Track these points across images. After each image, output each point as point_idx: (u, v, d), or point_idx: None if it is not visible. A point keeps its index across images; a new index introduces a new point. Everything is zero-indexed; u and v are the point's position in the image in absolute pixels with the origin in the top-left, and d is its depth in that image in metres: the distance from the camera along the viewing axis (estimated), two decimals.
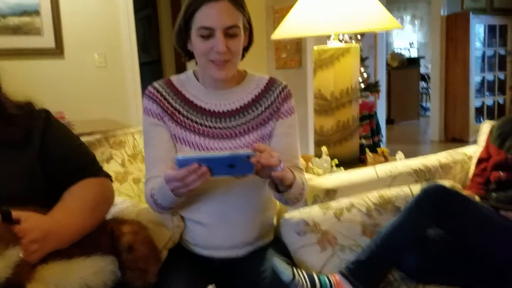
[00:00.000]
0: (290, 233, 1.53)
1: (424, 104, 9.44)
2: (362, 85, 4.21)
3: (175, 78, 1.48)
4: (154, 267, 1.30)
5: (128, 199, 1.77)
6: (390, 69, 7.84)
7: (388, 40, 9.42)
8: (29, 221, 1.09)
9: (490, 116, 6.68)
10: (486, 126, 2.09)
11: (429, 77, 8.49)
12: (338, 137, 2.35)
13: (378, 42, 5.51)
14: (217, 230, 1.42)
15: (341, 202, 1.63)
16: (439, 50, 6.36)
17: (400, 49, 10.29)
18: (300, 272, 1.35)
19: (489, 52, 6.65)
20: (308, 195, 1.61)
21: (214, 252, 1.44)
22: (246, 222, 1.43)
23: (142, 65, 4.09)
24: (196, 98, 1.45)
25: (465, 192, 1.80)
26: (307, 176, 1.63)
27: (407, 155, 2.37)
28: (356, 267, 1.45)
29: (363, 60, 4.23)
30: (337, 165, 2.26)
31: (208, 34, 1.31)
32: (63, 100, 3.48)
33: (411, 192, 1.68)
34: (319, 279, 1.38)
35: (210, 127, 1.42)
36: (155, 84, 1.45)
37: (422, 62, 9.17)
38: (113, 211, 1.47)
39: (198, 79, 1.47)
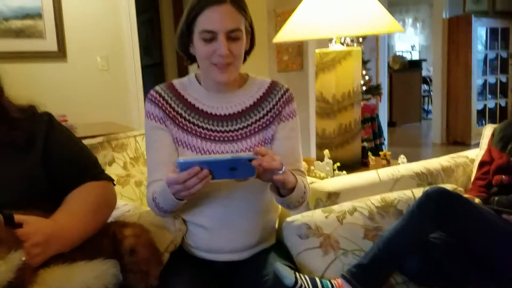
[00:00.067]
0: (292, 237, 1.53)
1: (425, 107, 9.44)
2: (364, 88, 4.21)
3: (177, 82, 1.48)
4: (156, 270, 1.30)
5: (130, 202, 1.78)
6: (391, 72, 7.84)
7: (389, 42, 9.43)
8: (31, 224, 1.09)
9: (492, 119, 6.67)
10: (488, 130, 2.09)
11: (431, 80, 8.49)
12: (340, 140, 2.35)
13: (380, 45, 5.52)
14: (219, 233, 1.42)
15: (344, 206, 1.62)
16: (441, 52, 6.36)
17: (402, 51, 10.30)
18: (302, 277, 1.34)
19: (491, 55, 6.64)
20: (310, 199, 1.61)
21: (216, 256, 1.44)
22: (248, 225, 1.43)
23: (144, 68, 4.09)
24: (198, 101, 1.45)
25: (467, 196, 1.80)
26: (309, 179, 1.63)
27: (409, 158, 2.38)
28: (358, 271, 1.44)
29: (364, 63, 4.23)
30: (339, 168, 2.25)
31: (210, 37, 1.31)
32: (66, 103, 3.49)
33: (413, 195, 1.68)
34: (321, 283, 1.38)
35: (212, 130, 1.42)
36: (157, 88, 1.46)
37: (424, 65, 9.17)
38: (115, 214, 1.47)
39: (200, 83, 1.47)
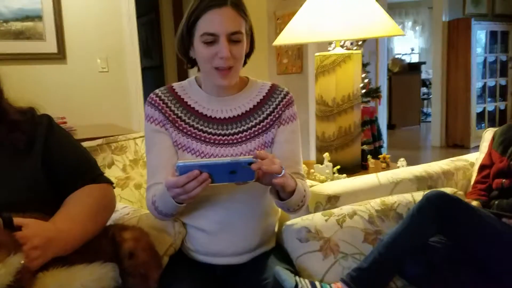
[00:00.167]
0: (292, 240, 1.53)
1: (425, 110, 9.45)
2: (363, 91, 4.21)
3: (177, 85, 1.48)
4: (155, 273, 1.29)
5: (130, 204, 1.77)
6: (391, 75, 7.85)
7: (389, 45, 9.44)
8: (31, 227, 1.09)
9: (491, 122, 6.68)
10: (488, 133, 2.09)
11: (430, 83, 8.51)
12: (340, 143, 2.35)
13: (379, 48, 5.52)
14: (218, 236, 1.41)
15: (343, 209, 1.62)
16: (441, 55, 6.37)
17: (401, 54, 10.32)
18: (302, 281, 1.34)
19: (491, 58, 6.65)
20: (310, 202, 1.60)
21: (216, 259, 1.44)
22: (248, 229, 1.43)
23: (144, 70, 4.10)
24: (198, 104, 1.45)
25: (467, 199, 1.80)
26: (309, 182, 1.63)
27: (408, 161, 2.38)
28: (358, 275, 1.44)
29: (364, 65, 4.23)
30: (339, 171, 2.25)
31: (212, 40, 1.31)
32: (65, 105, 3.49)
33: (413, 199, 1.68)
34: (321, 287, 1.38)
35: (212, 133, 1.42)
36: (157, 91, 1.45)
37: (423, 67, 9.18)
38: (114, 217, 1.47)
39: (200, 86, 1.47)
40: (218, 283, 1.44)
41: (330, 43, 3.49)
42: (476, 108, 6.43)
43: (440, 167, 1.94)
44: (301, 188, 1.37)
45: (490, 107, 6.75)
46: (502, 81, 6.83)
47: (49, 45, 3.51)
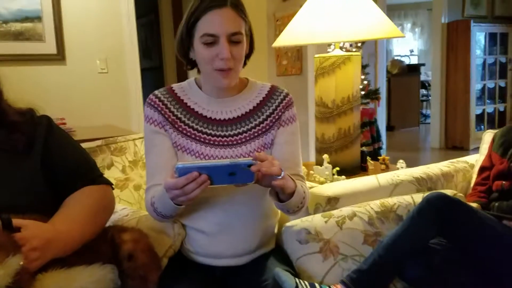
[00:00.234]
0: (291, 242, 1.52)
1: (424, 111, 9.46)
2: (363, 92, 4.21)
3: (176, 86, 1.48)
4: (155, 275, 1.29)
5: (129, 206, 1.77)
6: (390, 76, 7.86)
7: (388, 47, 9.45)
8: (30, 228, 1.08)
9: (491, 124, 6.69)
10: (488, 135, 2.09)
11: (429, 85, 8.52)
12: (340, 145, 2.35)
13: (378, 50, 5.52)
14: (218, 238, 1.41)
15: (343, 211, 1.62)
16: (440, 57, 6.38)
17: (400, 56, 10.33)
18: (302, 282, 1.34)
19: (490, 60, 6.66)
20: (310, 203, 1.60)
21: (215, 261, 1.44)
22: (247, 230, 1.43)
23: (143, 71, 4.09)
24: (198, 105, 1.44)
25: (467, 201, 1.80)
26: (308, 184, 1.62)
27: (408, 162, 2.38)
28: (358, 277, 1.44)
29: (363, 67, 4.24)
30: (338, 173, 2.25)
31: (212, 41, 1.31)
32: (65, 106, 3.49)
33: (413, 201, 1.68)
34: None
35: (211, 135, 1.42)
36: (157, 92, 1.45)
37: (422, 69, 9.19)
38: (113, 218, 1.47)
39: (200, 87, 1.46)
40: (217, 284, 1.44)
41: (329, 44, 3.49)
42: (475, 109, 6.44)
43: (439, 169, 1.94)
44: (301, 189, 1.37)
45: (489, 108, 6.76)
46: (502, 83, 6.84)
47: (49, 46, 3.51)
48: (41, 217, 1.16)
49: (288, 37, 2.29)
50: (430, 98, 8.16)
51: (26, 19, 3.41)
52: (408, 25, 10.61)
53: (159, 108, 1.42)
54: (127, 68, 3.83)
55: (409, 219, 1.50)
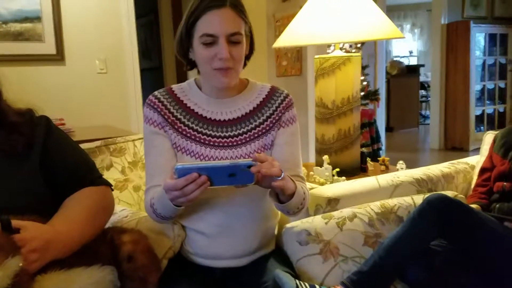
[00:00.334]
0: (292, 243, 1.52)
1: (423, 112, 9.46)
2: (362, 93, 4.21)
3: (176, 87, 1.47)
4: (154, 276, 1.28)
5: (128, 207, 1.76)
6: (389, 77, 7.86)
7: (387, 48, 9.45)
8: (29, 230, 1.08)
9: (490, 125, 6.70)
10: (489, 136, 2.09)
11: (428, 85, 8.52)
12: (340, 146, 2.35)
13: (378, 50, 5.52)
14: (218, 239, 1.40)
15: (343, 212, 1.62)
16: (440, 58, 6.38)
17: (400, 57, 10.33)
18: (302, 284, 1.33)
19: (490, 60, 6.67)
20: (310, 205, 1.60)
21: (215, 262, 1.43)
22: (247, 231, 1.42)
23: (143, 71, 4.09)
24: (198, 106, 1.44)
25: (468, 202, 1.79)
26: (308, 185, 1.62)
27: (407, 163, 2.38)
28: (358, 278, 1.43)
29: (363, 68, 4.24)
30: (338, 174, 2.25)
31: (211, 41, 1.30)
32: (64, 106, 3.48)
33: (414, 202, 1.67)
34: None
35: (211, 136, 1.41)
36: (156, 93, 1.45)
37: (421, 70, 9.20)
38: (112, 220, 1.46)
39: (199, 88, 1.46)
40: (217, 286, 1.44)
41: (329, 45, 3.49)
42: (475, 110, 6.44)
43: (440, 170, 1.94)
44: (301, 190, 1.36)
45: (489, 109, 6.76)
46: (501, 84, 6.85)
47: (48, 47, 3.50)
48: (40, 218, 1.16)
49: (288, 38, 2.29)
50: (429, 99, 8.16)
51: (26, 19, 3.40)
52: (407, 26, 10.62)
53: (159, 109, 1.41)
54: (127, 69, 3.82)
55: (410, 221, 1.50)
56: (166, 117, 1.41)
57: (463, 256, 1.49)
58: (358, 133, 2.42)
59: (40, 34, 3.46)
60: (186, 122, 1.42)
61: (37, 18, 3.43)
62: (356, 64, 2.33)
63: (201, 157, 1.40)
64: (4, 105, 1.25)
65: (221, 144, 1.41)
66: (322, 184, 2.11)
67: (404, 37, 2.32)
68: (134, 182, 1.88)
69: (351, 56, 2.32)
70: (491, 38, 6.59)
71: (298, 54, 4.20)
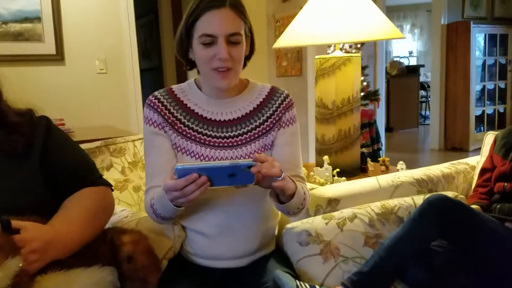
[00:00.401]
0: (292, 244, 1.52)
1: (423, 113, 9.47)
2: (362, 94, 4.21)
3: (176, 87, 1.47)
4: (154, 277, 1.28)
5: (128, 207, 1.76)
6: (389, 78, 7.86)
7: (387, 48, 9.46)
8: (29, 230, 1.07)
9: (490, 125, 6.70)
10: (489, 137, 2.09)
11: (428, 86, 8.53)
12: (340, 146, 2.35)
13: (377, 51, 5.53)
14: (218, 240, 1.40)
15: (344, 212, 1.61)
16: (440, 58, 6.38)
17: (400, 57, 10.33)
18: (302, 284, 1.33)
19: (490, 61, 6.66)
20: (311, 205, 1.60)
21: (215, 263, 1.43)
22: (247, 232, 1.42)
23: (143, 71, 4.09)
24: (198, 107, 1.44)
25: (468, 203, 1.79)
26: (309, 185, 1.62)
27: (407, 164, 2.38)
28: (358, 279, 1.43)
29: (363, 68, 4.24)
30: (339, 174, 2.25)
31: (210, 41, 1.30)
32: (64, 107, 3.48)
33: (414, 202, 1.67)
34: None
35: (211, 136, 1.41)
36: (156, 93, 1.44)
37: (421, 70, 9.20)
38: (112, 220, 1.46)
39: (199, 88, 1.46)
40: (217, 286, 1.43)
41: (329, 46, 3.49)
42: (475, 111, 6.44)
43: (440, 171, 1.94)
44: (301, 191, 1.36)
45: (489, 110, 6.76)
46: (501, 84, 6.85)
47: (48, 47, 3.50)
48: (40, 218, 1.16)
49: (288, 38, 2.29)
50: (429, 99, 8.17)
51: (26, 19, 3.40)
52: (407, 27, 10.62)
53: (159, 110, 1.41)
54: (127, 69, 3.82)
55: (410, 221, 1.50)
56: (166, 117, 1.41)
57: (463, 256, 1.49)
58: (358, 133, 2.42)
59: (40, 34, 3.46)
60: (186, 123, 1.42)
61: (37, 18, 3.43)
62: (356, 64, 2.33)
63: (201, 158, 1.40)
64: (4, 105, 1.24)
65: (221, 144, 1.41)
66: (322, 184, 2.11)
67: (404, 38, 2.32)
68: (134, 183, 1.88)
69: (351, 56, 2.32)
70: (491, 38, 6.59)
71: (298, 55, 4.20)
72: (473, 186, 2.00)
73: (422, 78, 9.22)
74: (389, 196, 1.76)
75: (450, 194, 1.69)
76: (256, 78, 1.53)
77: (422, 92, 9.38)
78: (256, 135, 1.43)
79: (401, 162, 2.38)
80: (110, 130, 3.37)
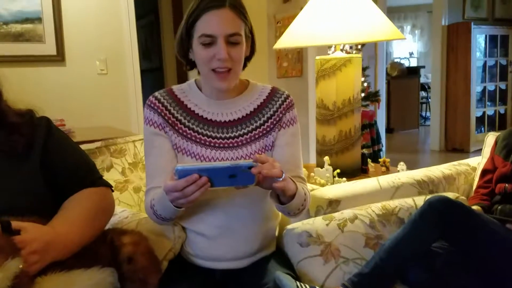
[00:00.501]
0: (292, 245, 1.51)
1: (423, 114, 9.47)
2: (362, 95, 4.21)
3: (176, 88, 1.47)
4: (154, 278, 1.28)
5: (128, 208, 1.76)
6: (389, 79, 7.86)
7: (388, 49, 9.46)
8: (29, 231, 1.07)
9: (491, 126, 6.69)
10: (490, 138, 2.09)
11: (428, 87, 8.53)
12: (340, 147, 2.34)
13: (378, 52, 5.53)
14: (218, 241, 1.40)
15: (344, 213, 1.61)
16: (440, 59, 6.38)
17: (400, 58, 10.33)
18: (303, 286, 1.33)
19: (490, 62, 6.66)
20: (311, 206, 1.60)
21: (216, 264, 1.43)
22: (248, 233, 1.42)
23: (143, 72, 4.09)
24: (198, 107, 1.43)
25: (469, 204, 1.79)
26: (309, 186, 1.61)
27: (407, 165, 2.38)
28: (359, 280, 1.43)
29: (363, 69, 4.24)
30: (339, 175, 2.25)
31: (209, 41, 1.30)
32: (64, 107, 3.48)
33: (415, 204, 1.67)
34: None
35: (212, 137, 1.41)
36: (157, 94, 1.44)
37: (422, 71, 9.20)
38: (113, 221, 1.46)
39: (200, 89, 1.46)
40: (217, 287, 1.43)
41: (330, 46, 3.49)
42: (475, 112, 6.43)
43: (441, 172, 1.94)
44: (302, 192, 1.36)
45: (489, 111, 6.75)
46: (502, 85, 6.84)
47: (49, 47, 3.50)
48: (40, 219, 1.15)
49: (289, 39, 2.28)
50: (429, 100, 8.16)
51: (26, 20, 3.40)
52: (408, 27, 10.62)
53: (159, 110, 1.41)
54: (127, 69, 3.82)
55: (411, 222, 1.49)
56: (166, 118, 1.41)
57: (464, 257, 1.49)
58: (358, 134, 2.41)
59: (41, 35, 3.46)
60: (187, 123, 1.42)
61: (37, 19, 3.43)
62: (356, 65, 2.33)
63: (202, 158, 1.40)
64: (4, 106, 1.24)
65: (221, 145, 1.41)
66: (323, 185, 2.11)
67: (404, 38, 2.32)
68: (135, 183, 1.88)
69: (352, 57, 2.32)
70: (492, 39, 6.58)
71: (298, 55, 4.20)
72: (474, 187, 1.99)
73: (422, 79, 9.22)
74: (390, 197, 1.76)
75: (451, 195, 1.69)
76: (257, 79, 1.53)
77: (423, 93, 9.38)
78: (256, 136, 1.43)
79: (401, 163, 2.37)
80: (110, 130, 3.37)
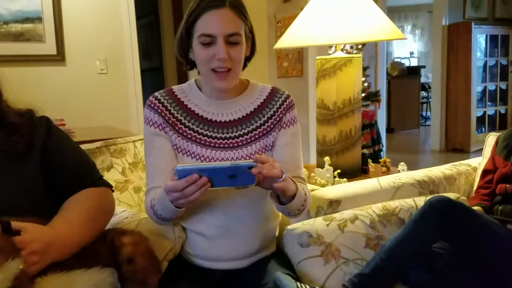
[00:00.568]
0: (293, 245, 1.51)
1: (423, 113, 9.46)
2: (363, 94, 4.21)
3: (176, 88, 1.47)
4: (154, 279, 1.28)
5: (128, 208, 1.76)
6: (390, 79, 7.86)
7: (388, 49, 9.46)
8: (29, 232, 1.07)
9: (492, 126, 6.69)
10: (491, 138, 2.08)
11: (429, 87, 8.53)
12: (341, 147, 2.34)
13: (378, 52, 5.53)
14: (219, 241, 1.40)
15: (345, 214, 1.61)
16: (441, 59, 6.38)
17: (400, 58, 10.33)
18: (303, 286, 1.32)
19: (491, 62, 6.66)
20: (312, 206, 1.59)
21: (216, 264, 1.42)
22: (248, 233, 1.41)
23: (143, 72, 4.09)
24: (198, 107, 1.43)
25: (470, 204, 1.79)
26: (310, 186, 1.61)
27: (408, 165, 2.38)
28: (360, 281, 1.43)
29: (363, 69, 4.24)
30: (340, 175, 2.24)
31: (209, 41, 1.30)
32: (64, 107, 3.48)
33: (415, 204, 1.67)
34: None
35: (212, 137, 1.41)
36: (157, 94, 1.44)
37: (422, 71, 9.20)
38: (113, 221, 1.45)
39: (200, 89, 1.45)
40: None
41: (330, 46, 3.49)
42: (476, 112, 6.43)
43: (442, 172, 1.94)
44: (302, 192, 1.36)
45: (490, 111, 6.75)
46: (503, 85, 6.84)
47: (49, 47, 3.50)
48: (40, 219, 1.15)
49: (289, 39, 2.28)
50: (430, 100, 8.16)
51: (27, 20, 3.40)
52: (408, 27, 10.62)
53: (159, 110, 1.41)
54: (127, 69, 3.82)
55: (412, 223, 1.49)
56: (166, 118, 1.41)
57: (465, 258, 1.49)
58: (359, 134, 2.41)
59: (41, 35, 3.46)
60: (187, 124, 1.41)
61: (37, 19, 3.43)
62: (357, 65, 2.32)
63: (202, 159, 1.39)
64: (4, 106, 1.24)
65: (221, 145, 1.40)
66: (323, 185, 2.11)
67: (405, 38, 2.32)
68: (135, 183, 1.88)
69: (352, 57, 2.32)
70: (492, 39, 6.58)
71: (299, 55, 4.19)
72: (475, 187, 1.99)
73: (423, 79, 9.22)
74: (390, 198, 1.76)
75: (451, 195, 1.69)
76: (257, 78, 1.53)
77: (423, 93, 9.38)
78: (256, 136, 1.43)
79: (402, 163, 2.37)
80: (110, 130, 3.37)
